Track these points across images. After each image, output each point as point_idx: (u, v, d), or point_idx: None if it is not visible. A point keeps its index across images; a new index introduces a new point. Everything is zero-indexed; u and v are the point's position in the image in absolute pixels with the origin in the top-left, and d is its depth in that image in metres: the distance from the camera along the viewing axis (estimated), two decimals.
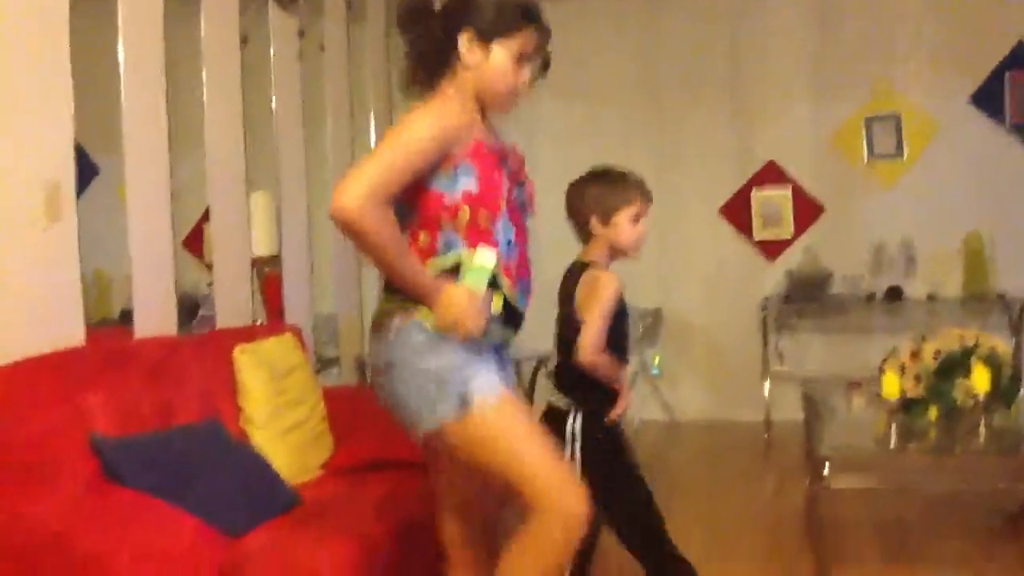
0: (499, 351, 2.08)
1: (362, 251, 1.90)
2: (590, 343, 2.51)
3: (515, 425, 1.95)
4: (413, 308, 1.94)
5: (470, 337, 1.91)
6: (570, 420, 2.58)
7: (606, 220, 2.57)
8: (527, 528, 1.92)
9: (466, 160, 1.95)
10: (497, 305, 1.97)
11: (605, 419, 2.58)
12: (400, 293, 1.96)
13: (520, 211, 2.08)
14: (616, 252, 2.63)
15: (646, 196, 2.60)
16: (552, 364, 2.75)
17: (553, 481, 1.92)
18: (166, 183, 3.29)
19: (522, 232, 2.07)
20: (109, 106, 3.08)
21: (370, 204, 1.82)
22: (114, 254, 3.08)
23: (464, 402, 1.91)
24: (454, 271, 1.95)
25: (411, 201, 1.96)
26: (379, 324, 2.00)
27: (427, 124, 1.94)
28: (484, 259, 1.94)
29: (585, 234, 2.64)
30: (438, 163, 1.93)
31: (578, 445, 2.56)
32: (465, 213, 1.95)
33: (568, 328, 2.59)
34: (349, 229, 1.83)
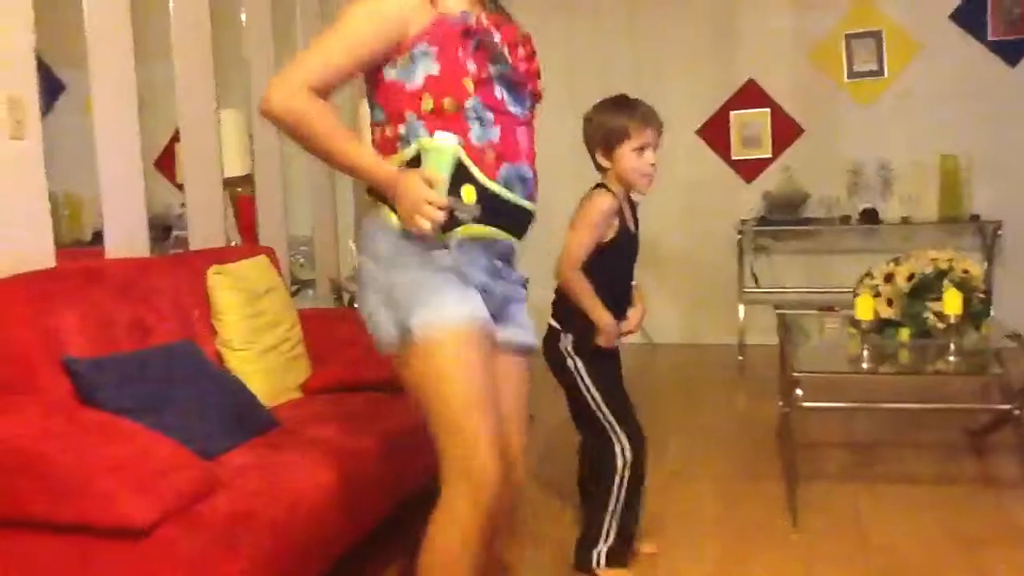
0: (492, 255, 1.89)
1: (300, 145, 1.81)
2: (563, 256, 2.49)
3: (444, 363, 1.76)
4: (380, 206, 1.84)
5: (428, 231, 1.72)
6: (561, 340, 2.61)
7: (609, 152, 2.52)
8: (440, 498, 1.81)
9: (423, 41, 1.79)
10: (470, 195, 1.78)
11: (592, 344, 2.57)
12: (374, 192, 1.87)
13: (507, 90, 1.87)
14: (625, 185, 2.56)
15: (649, 125, 2.50)
16: None
17: (464, 439, 1.76)
18: (133, 99, 3.21)
19: (506, 115, 1.86)
20: (73, 17, 2.98)
21: (293, 93, 1.74)
22: (85, 175, 3.03)
23: (404, 332, 1.78)
24: (415, 163, 1.78)
25: (373, 94, 1.88)
26: (358, 227, 1.93)
27: (365, 13, 1.81)
28: (441, 139, 1.75)
29: (598, 167, 2.58)
30: (392, 49, 1.80)
31: (579, 364, 2.58)
32: (428, 101, 1.80)
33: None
34: (279, 125, 1.76)
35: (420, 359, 1.78)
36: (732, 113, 6.06)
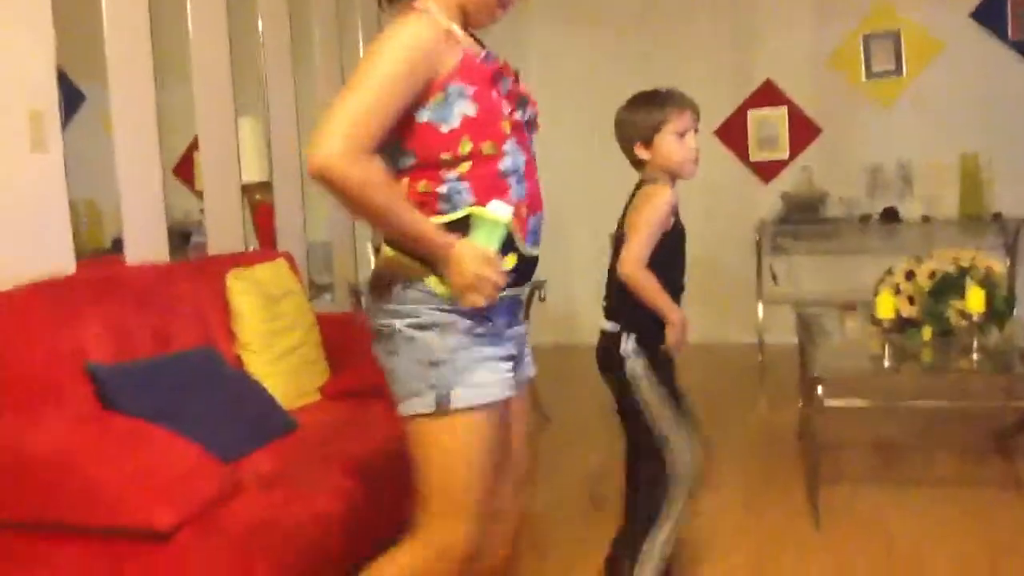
0: (513, 308, 1.86)
1: (346, 208, 1.63)
2: (630, 254, 2.36)
3: (473, 445, 1.74)
4: (421, 270, 1.71)
5: (480, 305, 1.68)
6: (623, 343, 2.41)
7: (648, 144, 2.43)
8: (406, 543, 1.80)
9: (456, 79, 1.69)
10: (510, 263, 1.73)
11: (659, 347, 2.41)
12: (402, 247, 1.72)
13: (527, 133, 1.82)
14: (671, 175, 2.46)
15: (685, 108, 2.43)
16: (603, 295, 2.51)
17: (456, 514, 1.75)
18: (152, 109, 3.24)
19: (531, 160, 1.81)
20: (93, 31, 3.01)
21: (349, 157, 1.56)
22: (105, 184, 3.05)
23: (442, 402, 1.71)
24: (461, 226, 1.69)
25: (403, 139, 1.70)
26: (379, 281, 1.78)
27: (399, 48, 1.64)
28: (499, 212, 1.68)
29: (637, 164, 2.48)
30: (425, 90, 1.67)
31: (639, 366, 2.40)
32: (466, 144, 1.69)
33: (617, 251, 2.44)
34: (327, 187, 1.58)
35: (451, 433, 1.74)
36: (750, 113, 6.04)
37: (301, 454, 2.50)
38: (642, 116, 2.44)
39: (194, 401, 2.48)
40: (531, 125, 1.85)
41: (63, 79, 2.81)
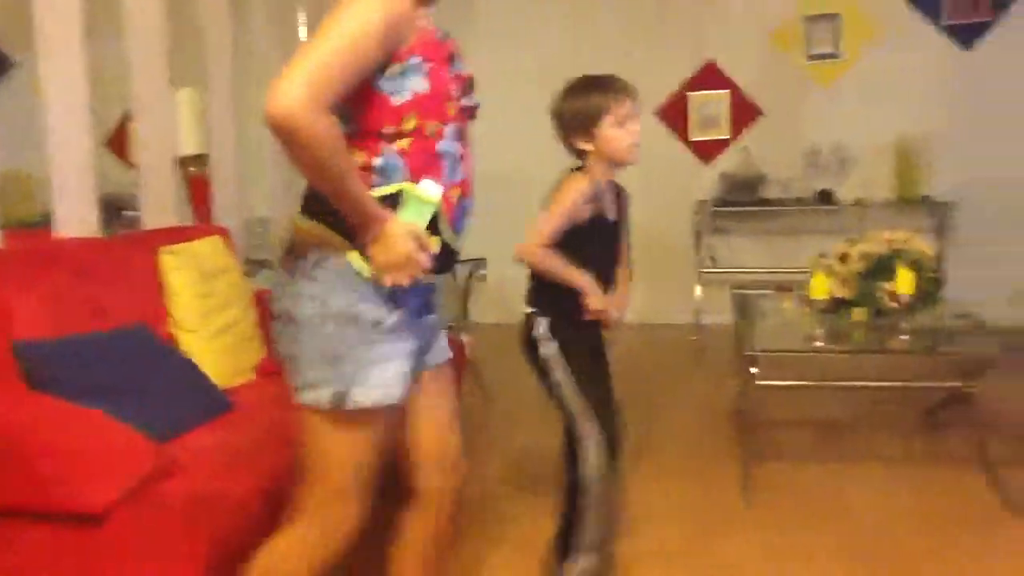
0: (427, 293, 1.85)
1: (300, 165, 1.55)
2: (528, 236, 2.37)
3: (360, 443, 1.76)
4: (341, 244, 1.67)
5: (402, 284, 1.65)
6: (535, 326, 2.45)
7: (589, 134, 2.39)
8: (292, 526, 1.82)
9: (416, 53, 1.65)
10: (435, 247, 1.70)
11: (579, 326, 2.44)
12: (322, 218, 1.67)
13: (467, 120, 1.79)
14: (613, 163, 2.43)
15: (624, 94, 2.39)
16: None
17: (335, 500, 1.78)
18: (83, 76, 3.14)
19: (467, 145, 1.79)
20: None
21: (312, 107, 1.48)
22: (34, 155, 2.96)
23: (338, 399, 1.69)
24: (391, 202, 1.66)
25: (351, 106, 1.64)
26: (290, 255, 1.72)
27: (375, 7, 1.57)
28: (429, 191, 1.66)
29: (578, 154, 2.44)
30: (386, 58, 1.61)
31: (550, 349, 2.43)
32: (411, 120, 1.66)
33: None
34: (287, 138, 1.49)
35: (341, 430, 1.74)
36: (691, 95, 6.08)
37: (237, 432, 2.47)
38: (581, 106, 2.40)
39: (127, 380, 2.43)
40: (471, 111, 1.82)
41: None
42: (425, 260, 1.66)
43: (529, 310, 2.50)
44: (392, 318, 1.71)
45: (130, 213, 3.44)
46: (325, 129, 1.51)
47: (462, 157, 1.78)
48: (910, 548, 2.76)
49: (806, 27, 5.88)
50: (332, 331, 1.68)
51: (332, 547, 1.80)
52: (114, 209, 3.36)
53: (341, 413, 1.71)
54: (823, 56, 5.89)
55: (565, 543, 2.53)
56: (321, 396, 1.70)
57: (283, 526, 1.84)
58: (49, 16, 2.98)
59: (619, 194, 2.57)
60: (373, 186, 1.67)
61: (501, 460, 3.63)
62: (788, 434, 3.88)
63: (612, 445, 2.47)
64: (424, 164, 1.69)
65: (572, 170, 2.45)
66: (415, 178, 1.68)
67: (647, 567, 2.70)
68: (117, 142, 3.39)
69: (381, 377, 1.71)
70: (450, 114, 1.72)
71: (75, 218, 3.08)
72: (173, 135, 3.67)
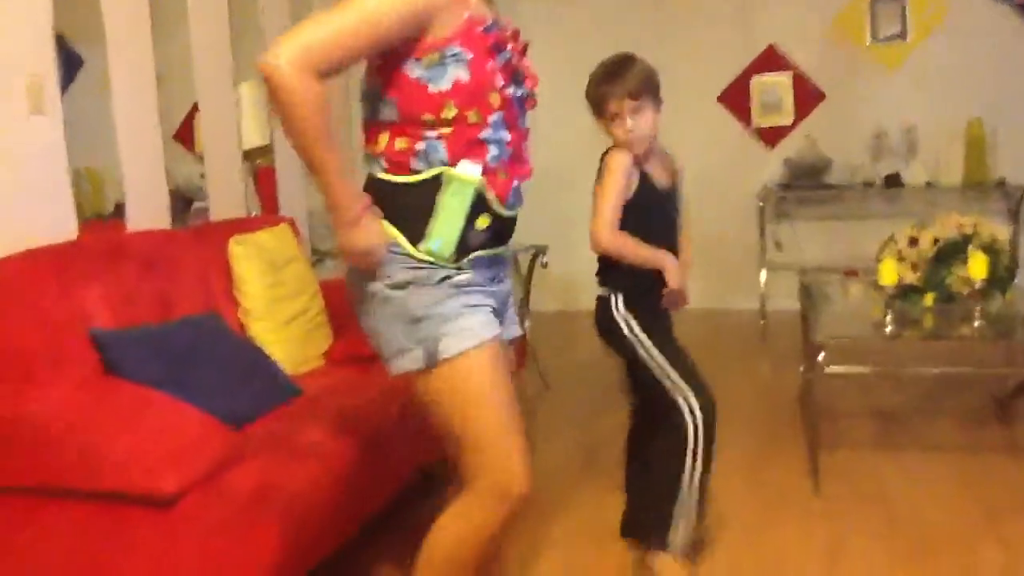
0: (492, 265, 1.87)
1: (283, 124, 1.62)
2: (595, 225, 2.39)
3: (478, 387, 1.76)
4: (389, 228, 1.74)
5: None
6: (612, 304, 2.45)
7: (599, 116, 2.43)
8: (463, 497, 1.81)
9: (456, 43, 1.68)
10: (484, 224, 1.76)
11: (653, 304, 2.44)
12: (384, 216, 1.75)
13: (518, 108, 1.82)
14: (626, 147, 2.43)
15: (623, 93, 2.36)
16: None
17: (498, 455, 1.77)
18: (151, 73, 3.22)
19: (518, 132, 1.81)
20: None
21: (302, 66, 1.54)
22: (105, 149, 3.04)
23: (430, 355, 1.73)
24: (433, 185, 1.72)
25: (388, 90, 1.71)
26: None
27: None
28: (467, 172, 1.72)
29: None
30: (416, 44, 1.66)
31: (633, 323, 2.44)
32: (451, 109, 1.69)
33: None
34: (272, 93, 1.56)
35: (451, 382, 1.76)
36: (753, 79, 6.00)
37: (306, 419, 2.50)
38: (590, 93, 2.44)
39: (198, 367, 2.49)
40: (524, 101, 1.84)
41: (62, 44, 2.79)
42: (375, 268, 1.72)
43: (602, 291, 2.50)
44: (461, 276, 1.76)
45: (199, 204, 3.51)
46: (311, 94, 1.57)
47: (511, 143, 1.79)
48: (975, 538, 2.71)
49: (872, 9, 5.76)
50: (404, 297, 1.74)
51: (505, 511, 1.79)
52: (184, 201, 3.43)
53: (442, 368, 1.74)
54: (889, 38, 5.76)
55: (654, 519, 2.47)
56: (415, 358, 1.75)
57: (456, 502, 1.83)
58: (117, 12, 3.06)
59: (671, 164, 2.58)
60: (414, 171, 1.73)
61: (557, 447, 3.63)
62: (855, 422, 3.82)
63: (711, 411, 2.44)
64: (466, 150, 1.73)
65: (609, 148, 2.47)
66: (454, 160, 1.72)
67: (711, 552, 2.68)
68: (185, 135, 3.46)
69: (465, 322, 1.75)
70: (493, 105, 1.74)
71: (146, 211, 3.15)
72: (237, 127, 3.73)
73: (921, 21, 5.68)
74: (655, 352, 2.43)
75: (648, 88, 2.40)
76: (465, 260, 1.77)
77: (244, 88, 3.74)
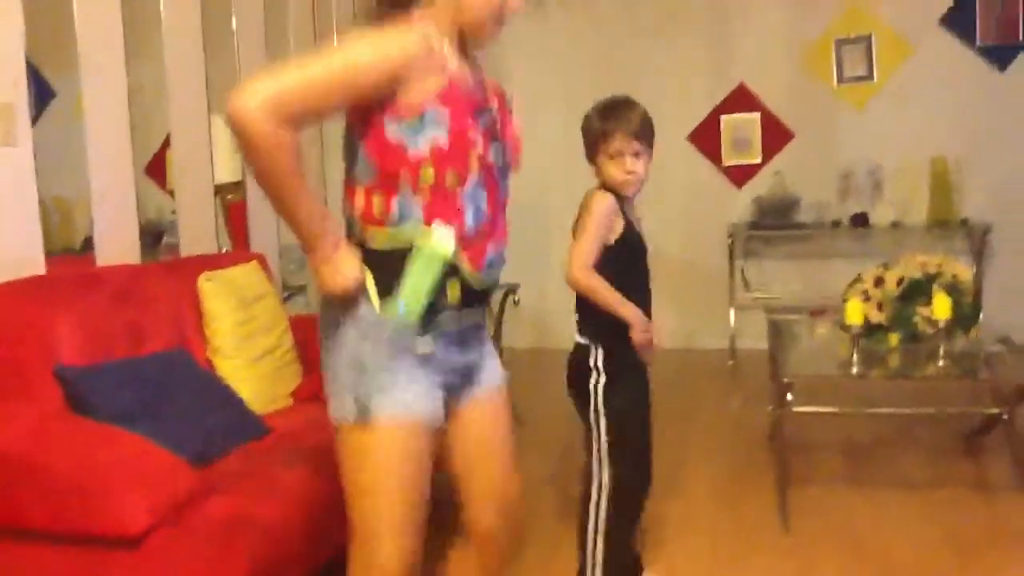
0: (464, 334, 1.82)
1: (252, 170, 1.58)
2: (571, 259, 2.38)
3: (384, 464, 1.72)
4: (367, 288, 1.72)
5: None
6: (592, 356, 2.45)
7: (591, 157, 2.44)
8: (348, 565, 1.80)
9: (435, 105, 1.64)
10: (454, 294, 1.73)
11: (629, 356, 2.45)
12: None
13: (498, 174, 1.78)
14: (609, 188, 2.44)
15: (621, 131, 2.38)
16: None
17: (375, 547, 1.73)
18: (124, 105, 3.21)
19: (495, 196, 1.77)
20: (64, 25, 2.98)
21: (270, 114, 1.50)
22: (76, 181, 3.02)
23: (362, 409, 1.70)
24: (404, 252, 1.68)
25: (363, 149, 1.68)
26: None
27: (371, 47, 1.60)
28: (441, 243, 1.68)
29: (597, 172, 2.48)
30: (393, 103, 1.63)
31: (600, 381, 2.44)
32: (429, 173, 1.66)
33: None
34: (237, 136, 1.51)
35: (368, 444, 1.72)
36: (723, 118, 6.08)
37: (273, 457, 2.49)
38: (587, 128, 2.45)
39: (165, 404, 2.47)
40: (505, 167, 1.82)
41: (34, 74, 2.78)
42: (353, 289, 1.69)
43: (581, 340, 2.49)
44: (423, 347, 1.73)
45: (170, 240, 3.49)
46: (275, 139, 1.52)
47: (490, 208, 1.76)
48: (942, 572, 2.72)
49: (838, 49, 5.87)
50: (360, 342, 1.71)
51: None
52: (154, 235, 3.41)
53: (366, 427, 1.70)
54: (856, 78, 5.87)
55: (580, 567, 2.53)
56: (346, 404, 1.72)
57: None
58: (91, 44, 3.05)
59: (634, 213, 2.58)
60: (390, 232, 1.69)
61: (528, 485, 3.61)
62: (823, 459, 3.84)
63: (635, 496, 2.49)
64: (442, 212, 1.69)
65: (593, 189, 2.47)
66: (429, 220, 1.69)
67: None
68: (157, 169, 3.45)
69: (406, 391, 1.71)
70: (472, 168, 1.71)
71: (116, 244, 3.13)
72: (210, 162, 3.73)
73: (887, 62, 5.80)
74: (602, 420, 2.45)
75: (650, 133, 2.44)
76: (432, 330, 1.73)
77: (217, 121, 3.74)
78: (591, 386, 2.45)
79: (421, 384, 1.73)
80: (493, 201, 1.77)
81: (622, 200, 2.47)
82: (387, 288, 1.70)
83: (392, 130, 1.65)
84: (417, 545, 1.78)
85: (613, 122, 2.40)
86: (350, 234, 1.77)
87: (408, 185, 1.67)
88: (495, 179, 1.78)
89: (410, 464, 1.74)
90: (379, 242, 1.71)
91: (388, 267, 1.70)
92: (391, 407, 1.70)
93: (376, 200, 1.70)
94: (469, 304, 1.78)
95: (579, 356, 2.48)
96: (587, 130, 2.46)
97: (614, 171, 2.41)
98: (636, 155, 2.40)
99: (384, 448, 1.72)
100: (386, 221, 1.70)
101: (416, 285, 1.69)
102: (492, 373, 1.94)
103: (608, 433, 2.44)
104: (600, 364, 2.45)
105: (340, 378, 1.73)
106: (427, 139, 1.65)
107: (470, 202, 1.72)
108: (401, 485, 1.74)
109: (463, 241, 1.71)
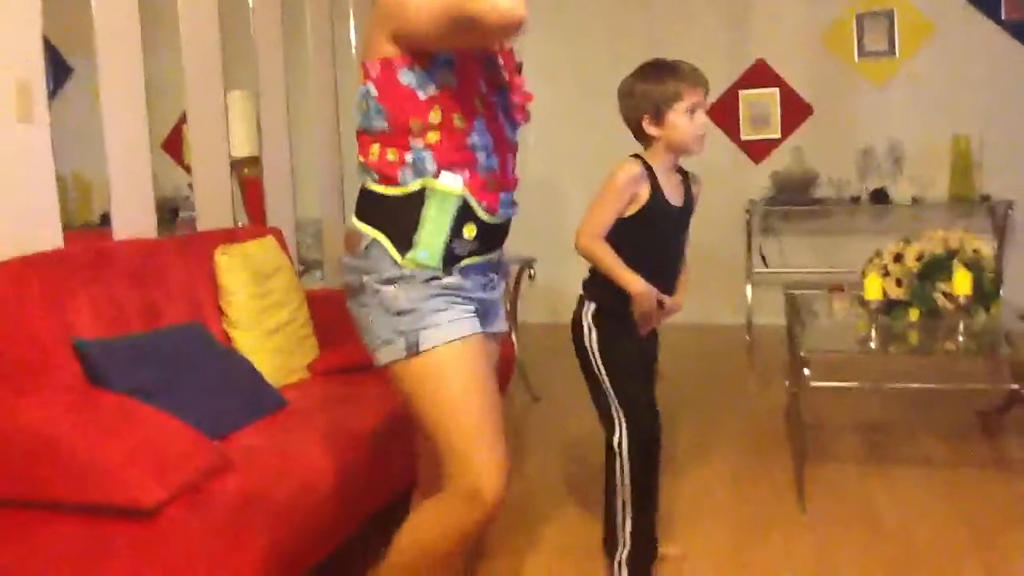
0: (487, 271, 1.91)
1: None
2: (582, 226, 2.37)
3: (456, 385, 1.77)
4: (383, 241, 1.78)
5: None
6: (583, 310, 2.47)
7: (659, 119, 2.37)
8: (440, 496, 1.81)
9: (446, 49, 1.74)
10: (470, 233, 1.80)
11: (627, 319, 2.43)
12: (371, 222, 1.80)
13: (504, 117, 1.87)
14: (678, 151, 2.42)
15: (699, 84, 2.37)
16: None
17: (473, 460, 1.75)
18: (140, 82, 3.21)
19: (504, 142, 1.86)
20: (80, 2, 2.98)
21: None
22: (93, 158, 3.03)
23: (411, 346, 1.76)
24: (416, 200, 1.77)
25: (381, 101, 1.77)
26: (349, 241, 1.85)
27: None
28: (448, 183, 1.77)
29: (642, 137, 2.43)
30: (415, 54, 1.72)
31: (593, 335, 2.46)
32: (437, 113, 1.75)
33: None
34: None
35: (429, 375, 1.78)
36: (741, 93, 6.03)
37: (290, 430, 2.50)
38: (654, 88, 2.37)
39: (182, 377, 2.48)
40: (511, 112, 1.89)
41: (52, 52, 2.79)
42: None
43: (582, 293, 2.52)
44: (450, 279, 1.80)
45: (186, 215, 3.50)
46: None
47: (497, 151, 1.84)
48: (960, 552, 2.71)
49: (859, 24, 5.80)
50: (392, 291, 1.78)
51: (475, 527, 1.77)
52: (171, 211, 3.42)
53: (420, 360, 1.76)
54: (877, 54, 5.80)
55: (607, 535, 2.53)
56: (397, 347, 1.78)
57: (427, 502, 1.84)
58: (109, 22, 3.05)
59: (688, 181, 2.56)
60: (400, 183, 1.78)
61: (545, 460, 3.63)
62: (841, 436, 3.82)
63: (649, 445, 2.46)
64: (455, 156, 1.78)
65: (630, 156, 2.44)
66: (442, 169, 1.77)
67: (697, 567, 2.68)
68: (173, 144, 3.45)
69: (447, 316, 1.78)
70: (477, 109, 1.80)
71: (132, 220, 3.14)
72: (226, 137, 3.73)
73: (908, 37, 5.72)
74: (602, 368, 2.45)
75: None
76: (455, 268, 1.81)
77: (234, 97, 3.74)
78: (585, 343, 2.47)
79: (457, 309, 1.81)
80: (501, 147, 1.86)
81: (672, 169, 2.46)
82: (406, 241, 1.78)
83: (405, 76, 1.74)
84: (507, 455, 1.81)
85: (688, 78, 2.37)
86: (366, 185, 1.84)
87: (420, 135, 1.76)
88: (501, 126, 1.86)
89: (476, 380, 1.80)
90: (393, 192, 1.79)
91: (404, 218, 1.78)
92: (438, 336, 1.77)
93: (390, 153, 1.79)
94: (486, 243, 1.86)
95: (576, 308, 2.51)
96: (648, 93, 2.38)
97: (691, 128, 2.38)
98: (705, 109, 2.41)
99: (451, 362, 1.77)
100: (398, 174, 1.78)
101: (433, 230, 1.78)
102: (501, 322, 2.04)
103: (610, 380, 2.45)
104: (590, 318, 2.46)
105: (382, 330, 1.79)
106: (437, 82, 1.75)
107: (480, 143, 1.80)
108: (478, 402, 1.78)
109: (474, 182, 1.80)
